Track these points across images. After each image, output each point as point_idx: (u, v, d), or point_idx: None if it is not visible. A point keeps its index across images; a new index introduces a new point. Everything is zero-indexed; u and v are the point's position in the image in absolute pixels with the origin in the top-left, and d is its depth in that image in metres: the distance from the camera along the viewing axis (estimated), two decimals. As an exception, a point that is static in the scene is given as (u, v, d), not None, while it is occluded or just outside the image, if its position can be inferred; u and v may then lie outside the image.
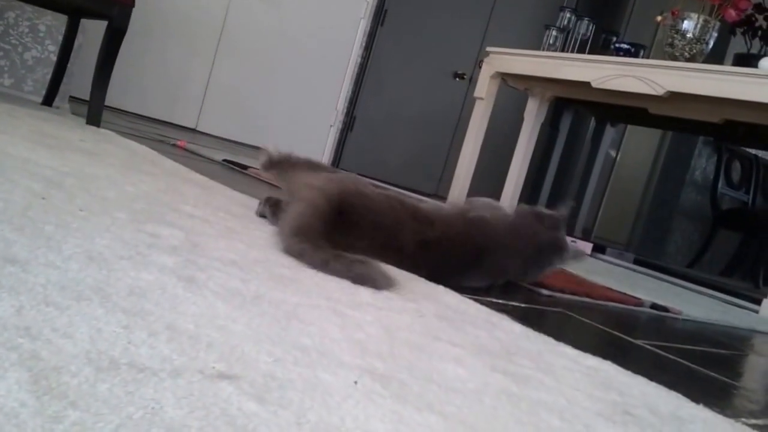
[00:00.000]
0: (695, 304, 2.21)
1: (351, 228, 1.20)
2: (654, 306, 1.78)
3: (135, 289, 0.67)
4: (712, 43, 3.02)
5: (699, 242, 5.37)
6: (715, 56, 3.31)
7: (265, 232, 1.23)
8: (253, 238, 1.14)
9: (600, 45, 3.60)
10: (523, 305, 1.32)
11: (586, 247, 3.62)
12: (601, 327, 1.33)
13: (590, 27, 3.60)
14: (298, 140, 5.60)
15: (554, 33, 3.57)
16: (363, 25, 5.65)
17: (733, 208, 5.04)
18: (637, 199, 5.64)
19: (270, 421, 0.46)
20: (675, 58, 3.00)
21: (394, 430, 0.50)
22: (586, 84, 3.05)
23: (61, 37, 2.98)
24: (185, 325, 0.60)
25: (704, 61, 2.96)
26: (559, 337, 0.98)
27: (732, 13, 2.98)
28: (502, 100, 3.69)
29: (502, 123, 4.16)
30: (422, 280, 1.16)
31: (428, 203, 1.42)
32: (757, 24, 3.21)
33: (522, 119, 3.83)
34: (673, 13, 3.06)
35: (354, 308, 0.83)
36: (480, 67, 3.57)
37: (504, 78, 3.53)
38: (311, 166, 1.54)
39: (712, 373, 1.13)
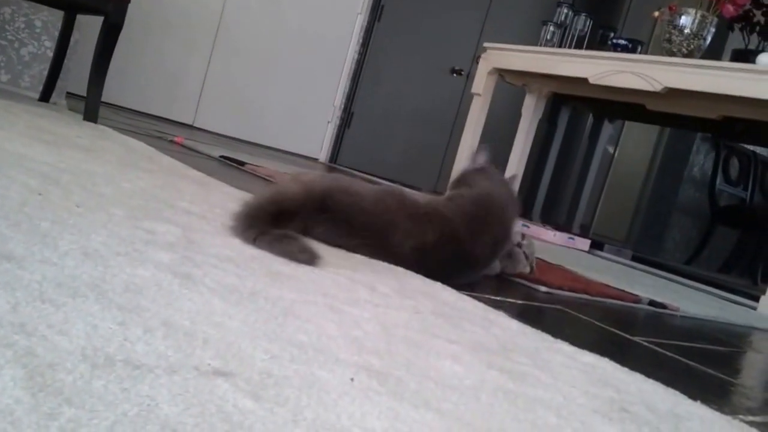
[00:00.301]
0: (693, 301, 2.21)
1: (339, 225, 1.19)
2: (652, 303, 1.78)
3: (131, 285, 0.67)
4: (709, 38, 3.02)
5: (697, 239, 5.38)
6: (713, 52, 3.31)
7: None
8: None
9: (597, 41, 3.60)
10: (520, 302, 1.32)
11: (584, 243, 3.63)
12: (598, 324, 1.33)
13: (587, 23, 3.60)
14: (295, 136, 5.60)
15: (551, 29, 3.57)
16: (360, 21, 5.64)
17: (731, 204, 5.05)
18: (635, 196, 5.64)
19: (266, 419, 0.46)
20: (672, 54, 3.00)
21: (391, 427, 0.50)
22: (584, 80, 3.05)
23: (57, 33, 2.97)
24: (181, 322, 0.60)
25: (702, 57, 2.96)
26: (556, 334, 0.98)
27: (730, 9, 2.98)
28: (500, 96, 3.69)
29: (500, 119, 4.15)
30: (419, 276, 1.16)
31: (425, 197, 1.39)
32: (755, 19, 3.21)
33: (519, 115, 3.83)
34: (670, 9, 3.06)
35: (351, 305, 0.83)
36: (477, 63, 3.57)
37: (501, 74, 3.53)
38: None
39: (710, 370, 1.13)
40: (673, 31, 3.02)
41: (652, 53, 3.57)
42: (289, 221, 1.13)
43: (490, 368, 0.73)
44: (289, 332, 0.66)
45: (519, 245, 1.55)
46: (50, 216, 0.85)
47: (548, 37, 3.55)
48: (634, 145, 5.50)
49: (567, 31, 3.60)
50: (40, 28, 3.15)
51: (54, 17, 3.13)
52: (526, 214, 4.16)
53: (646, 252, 4.68)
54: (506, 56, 3.39)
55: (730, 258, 5.07)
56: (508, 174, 3.72)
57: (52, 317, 0.52)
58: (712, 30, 3.00)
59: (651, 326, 1.57)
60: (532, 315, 1.24)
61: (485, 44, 3.50)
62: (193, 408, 0.44)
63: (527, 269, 1.58)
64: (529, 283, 1.56)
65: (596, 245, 3.74)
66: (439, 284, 1.13)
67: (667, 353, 1.18)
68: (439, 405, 0.57)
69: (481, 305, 1.06)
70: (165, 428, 0.40)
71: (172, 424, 0.41)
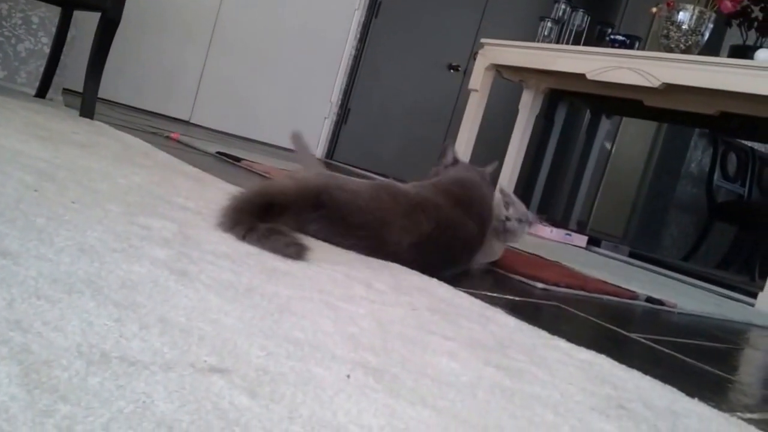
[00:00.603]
0: (690, 298, 2.21)
1: (335, 223, 1.19)
2: (649, 299, 1.79)
3: (127, 281, 0.66)
4: (707, 34, 3.02)
5: (694, 235, 5.38)
6: (711, 48, 3.31)
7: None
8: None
9: (595, 36, 3.59)
10: (517, 298, 1.32)
11: (581, 240, 3.63)
12: (595, 320, 1.33)
13: (585, 18, 3.59)
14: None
15: (549, 24, 3.56)
16: (357, 17, 5.63)
17: (728, 200, 5.05)
18: (633, 192, 5.65)
19: (262, 416, 0.45)
20: (670, 50, 3.00)
21: (387, 424, 0.50)
22: (581, 76, 3.05)
23: (54, 29, 2.96)
24: (177, 318, 0.60)
25: (700, 53, 2.96)
26: (553, 330, 0.98)
27: (728, 5, 2.98)
28: (497, 92, 3.69)
29: (497, 115, 4.15)
30: (415, 273, 1.16)
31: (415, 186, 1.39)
32: (753, 15, 3.22)
33: (517, 111, 3.83)
34: (668, 5, 3.05)
35: (347, 301, 0.83)
36: (474, 59, 3.57)
37: (499, 70, 3.52)
38: None
39: (708, 367, 1.13)
40: (670, 27, 3.01)
41: (650, 49, 3.57)
42: (279, 215, 1.12)
43: (487, 365, 0.72)
44: (285, 329, 0.66)
45: (507, 218, 1.54)
46: (46, 212, 0.85)
47: (546, 33, 3.55)
48: (631, 141, 5.50)
49: (564, 27, 3.60)
50: (37, 24, 3.14)
51: (51, 13, 3.12)
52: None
53: (644, 248, 4.69)
54: (503, 52, 3.39)
55: (728, 254, 5.07)
56: (502, 171, 3.73)
57: (48, 314, 0.52)
58: (710, 26, 3.00)
59: (648, 323, 1.57)
60: (529, 311, 1.24)
61: (482, 40, 3.50)
62: (189, 405, 0.44)
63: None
64: (526, 280, 1.56)
65: (593, 241, 3.74)
66: (435, 281, 1.13)
67: (665, 350, 1.19)
68: (435, 402, 0.57)
69: (477, 302, 1.06)
70: (161, 425, 0.40)
71: (168, 421, 0.41)
